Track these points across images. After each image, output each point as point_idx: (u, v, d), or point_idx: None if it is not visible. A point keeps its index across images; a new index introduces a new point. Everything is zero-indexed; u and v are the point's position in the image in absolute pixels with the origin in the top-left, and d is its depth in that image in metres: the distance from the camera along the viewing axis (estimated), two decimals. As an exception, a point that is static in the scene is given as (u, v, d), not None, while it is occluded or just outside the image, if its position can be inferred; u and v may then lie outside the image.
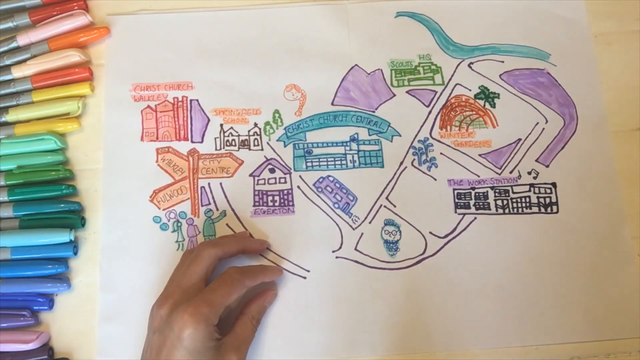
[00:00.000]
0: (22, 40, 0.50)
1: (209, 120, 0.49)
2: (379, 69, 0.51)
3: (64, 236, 0.45)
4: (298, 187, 0.48)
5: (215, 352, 0.39)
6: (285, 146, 0.49)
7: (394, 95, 0.50)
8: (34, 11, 0.50)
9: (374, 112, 0.50)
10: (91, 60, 0.51)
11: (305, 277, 0.46)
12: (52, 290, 0.45)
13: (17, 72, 0.49)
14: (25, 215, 0.46)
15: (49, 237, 0.45)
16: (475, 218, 0.47)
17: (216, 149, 0.49)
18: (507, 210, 0.48)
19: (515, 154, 0.49)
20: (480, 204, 0.48)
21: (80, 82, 0.49)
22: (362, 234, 0.47)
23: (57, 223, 0.46)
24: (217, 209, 0.48)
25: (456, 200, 0.48)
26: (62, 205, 0.46)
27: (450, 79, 0.50)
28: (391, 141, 0.49)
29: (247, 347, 0.42)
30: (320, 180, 0.48)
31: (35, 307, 0.45)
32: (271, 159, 0.49)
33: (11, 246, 0.45)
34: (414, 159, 0.49)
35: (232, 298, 0.40)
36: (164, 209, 0.47)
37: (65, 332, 0.45)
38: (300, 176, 0.48)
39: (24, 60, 0.50)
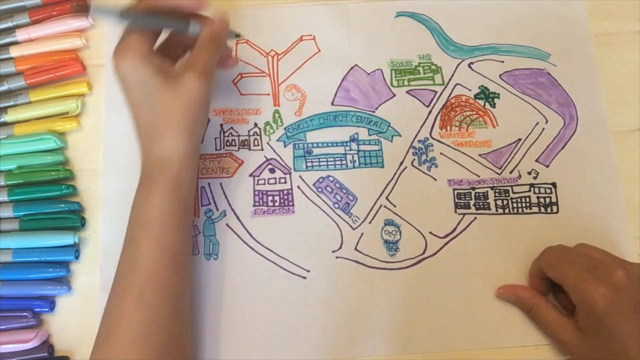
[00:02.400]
0: (21, 35, 0.50)
1: (208, 120, 0.49)
2: (379, 69, 0.51)
3: (67, 239, 0.45)
4: (298, 187, 0.48)
5: (165, 77, 0.38)
6: (285, 146, 0.49)
7: (394, 95, 0.50)
8: (34, 11, 0.50)
9: (374, 112, 0.50)
10: (88, 45, 0.51)
11: (305, 277, 0.46)
12: (53, 293, 0.45)
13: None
14: (25, 216, 0.46)
15: (53, 239, 0.45)
16: (475, 218, 0.47)
17: (216, 149, 0.49)
18: (507, 210, 0.48)
19: (515, 154, 0.49)
20: (480, 204, 0.48)
21: (76, 81, 0.50)
22: (362, 234, 0.47)
23: (57, 223, 0.46)
24: (217, 209, 0.48)
25: (456, 200, 0.48)
26: (62, 205, 0.46)
27: (450, 79, 0.50)
28: (391, 141, 0.49)
29: (211, 70, 0.40)
30: (320, 180, 0.48)
31: (36, 309, 0.45)
32: (271, 159, 0.49)
33: (14, 247, 0.45)
34: (414, 159, 0.49)
35: (150, 15, 0.39)
36: (164, 209, 0.47)
37: (65, 332, 0.45)
38: (300, 176, 0.48)
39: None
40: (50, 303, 0.45)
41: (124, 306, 0.37)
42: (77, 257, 0.46)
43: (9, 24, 0.50)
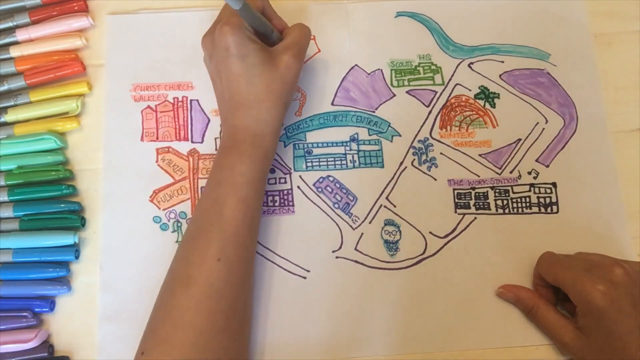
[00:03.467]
0: (21, 35, 0.50)
1: (209, 120, 0.49)
2: (379, 69, 0.51)
3: (67, 239, 0.45)
4: (298, 187, 0.48)
5: (266, 55, 0.42)
6: (285, 146, 0.49)
7: (394, 95, 0.50)
8: (34, 11, 0.50)
9: (374, 112, 0.50)
10: (88, 45, 0.51)
11: (305, 277, 0.46)
12: (53, 293, 0.45)
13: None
14: (25, 216, 0.46)
15: (53, 239, 0.45)
16: (475, 218, 0.47)
17: (216, 149, 0.49)
18: (507, 210, 0.48)
19: (515, 154, 0.49)
20: (480, 204, 0.48)
21: (76, 81, 0.50)
22: (362, 234, 0.47)
23: (57, 223, 0.46)
24: (217, 209, 0.48)
25: (456, 200, 0.48)
26: (62, 205, 0.46)
27: (450, 79, 0.50)
28: (391, 141, 0.49)
29: (304, 53, 0.44)
30: (320, 180, 0.48)
31: (36, 309, 0.45)
32: (271, 159, 0.49)
33: (14, 247, 0.45)
34: (414, 159, 0.49)
35: (261, 16, 0.43)
36: (164, 209, 0.47)
37: (65, 332, 0.45)
38: (300, 176, 0.48)
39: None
40: (50, 303, 0.45)
41: (207, 259, 0.39)
42: (77, 257, 0.46)
43: (9, 24, 0.50)
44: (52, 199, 0.47)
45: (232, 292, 0.40)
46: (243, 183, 0.41)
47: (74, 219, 0.46)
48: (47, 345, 0.44)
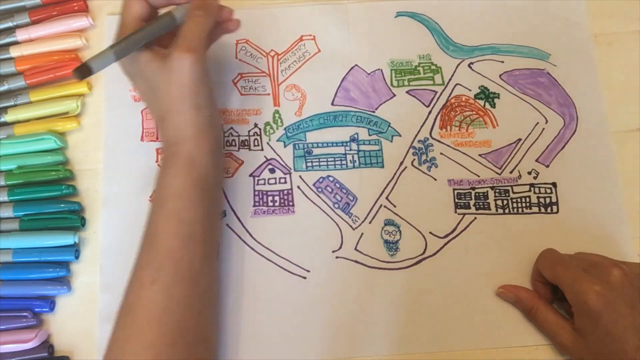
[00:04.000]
0: (21, 35, 0.50)
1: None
2: (379, 69, 0.51)
3: (67, 239, 0.45)
4: (298, 187, 0.48)
5: (159, 62, 0.39)
6: (285, 146, 0.49)
7: (394, 95, 0.50)
8: (34, 11, 0.50)
9: (374, 112, 0.50)
10: (88, 45, 0.51)
11: (305, 277, 0.46)
12: (53, 293, 0.45)
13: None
14: (25, 216, 0.46)
15: (53, 239, 0.45)
16: (475, 218, 0.47)
17: (216, 149, 0.49)
18: (507, 210, 0.48)
19: (515, 154, 0.49)
20: (480, 204, 0.48)
21: (76, 81, 0.49)
22: (362, 234, 0.47)
23: (57, 223, 0.46)
24: (217, 209, 0.48)
25: (456, 200, 0.48)
26: (62, 205, 0.46)
27: (450, 79, 0.50)
28: (391, 141, 0.49)
29: (200, 42, 0.39)
30: (320, 180, 0.48)
31: (36, 309, 0.45)
32: (271, 159, 0.49)
33: (14, 247, 0.45)
34: (414, 159, 0.49)
35: (136, 37, 0.39)
36: (164, 209, 0.47)
37: (65, 332, 0.45)
38: (300, 176, 0.48)
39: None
40: (50, 303, 0.45)
41: (143, 283, 0.37)
42: (77, 257, 0.46)
43: (9, 24, 0.50)
44: (52, 199, 0.47)
45: (175, 315, 0.37)
46: (170, 195, 0.39)
47: (74, 219, 0.46)
48: (47, 345, 0.44)
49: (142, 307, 0.37)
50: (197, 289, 0.39)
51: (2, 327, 0.44)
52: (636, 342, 0.37)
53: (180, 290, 0.38)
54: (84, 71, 0.37)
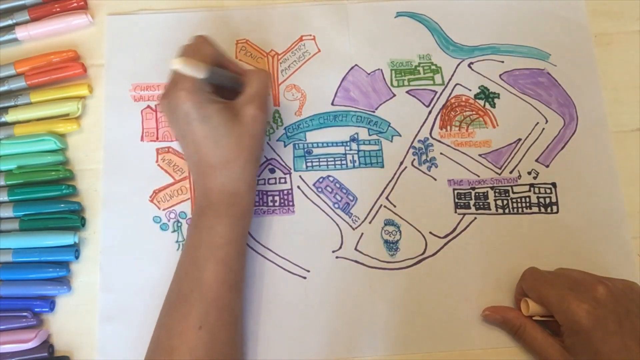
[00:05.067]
0: (20, 32, 0.50)
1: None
2: (379, 69, 0.51)
3: (67, 239, 0.45)
4: (298, 187, 0.48)
5: (229, 113, 0.40)
6: (285, 146, 0.49)
7: (394, 95, 0.50)
8: (33, 9, 0.50)
9: (374, 112, 0.50)
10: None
11: (305, 277, 0.46)
12: (53, 293, 0.45)
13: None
14: (25, 216, 0.46)
15: (53, 239, 0.45)
16: (475, 218, 0.47)
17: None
18: (507, 210, 0.48)
19: (515, 154, 0.49)
20: (480, 204, 0.48)
21: (77, 83, 0.50)
22: (362, 234, 0.47)
23: (57, 223, 0.46)
24: (217, 209, 0.48)
25: (456, 200, 0.48)
26: (62, 205, 0.46)
27: (450, 79, 0.50)
28: (391, 141, 0.49)
29: (266, 102, 0.42)
30: (320, 180, 0.48)
31: (36, 309, 0.45)
32: (271, 159, 0.49)
33: (14, 247, 0.45)
34: (414, 159, 0.49)
35: (211, 59, 0.41)
36: (164, 209, 0.47)
37: (65, 332, 0.45)
38: (300, 176, 0.48)
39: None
40: (50, 303, 0.45)
41: (188, 327, 0.38)
42: (77, 257, 0.46)
43: (9, 22, 0.50)
44: (52, 199, 0.47)
45: (218, 356, 0.38)
46: (222, 245, 0.40)
47: (74, 219, 0.46)
48: (47, 345, 0.44)
49: (188, 351, 0.38)
50: (237, 334, 0.41)
51: (2, 327, 0.44)
52: (625, 358, 0.37)
53: (223, 335, 0.39)
54: (191, 64, 0.38)
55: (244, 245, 0.43)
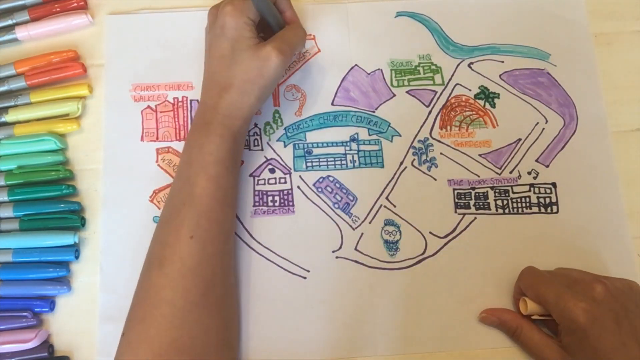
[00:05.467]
0: (20, 33, 0.50)
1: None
2: (379, 69, 0.51)
3: (67, 239, 0.45)
4: (298, 187, 0.48)
5: (254, 45, 0.43)
6: (285, 146, 0.49)
7: (394, 95, 0.50)
8: (33, 9, 0.50)
9: (374, 112, 0.50)
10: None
11: (305, 277, 0.46)
12: (53, 293, 0.45)
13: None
14: (25, 216, 0.46)
15: (53, 239, 0.45)
16: (475, 218, 0.47)
17: (216, 149, 0.49)
18: (507, 210, 0.48)
19: (515, 154, 0.49)
20: (480, 204, 0.48)
21: (77, 83, 0.50)
22: (362, 234, 0.47)
23: (57, 223, 0.46)
24: (217, 209, 0.48)
25: (456, 200, 0.48)
26: (62, 205, 0.46)
27: (450, 79, 0.50)
28: (391, 141, 0.49)
29: (291, 51, 0.44)
30: (320, 180, 0.48)
31: (36, 309, 0.45)
32: (271, 159, 0.49)
33: (14, 247, 0.45)
34: (414, 159, 0.49)
35: (274, 9, 0.44)
36: (164, 209, 0.47)
37: (65, 332, 0.45)
38: (300, 176, 0.48)
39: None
40: (50, 303, 0.45)
41: (180, 238, 0.40)
42: (77, 257, 0.46)
43: (9, 22, 0.50)
44: (52, 199, 0.47)
45: (208, 268, 0.40)
46: (212, 162, 0.42)
47: (74, 219, 0.46)
48: (47, 345, 0.44)
49: (179, 259, 0.39)
50: (227, 247, 0.43)
51: (2, 327, 0.44)
52: (623, 358, 0.37)
53: (213, 247, 0.41)
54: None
55: (234, 165, 0.44)
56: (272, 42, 0.43)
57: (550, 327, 0.43)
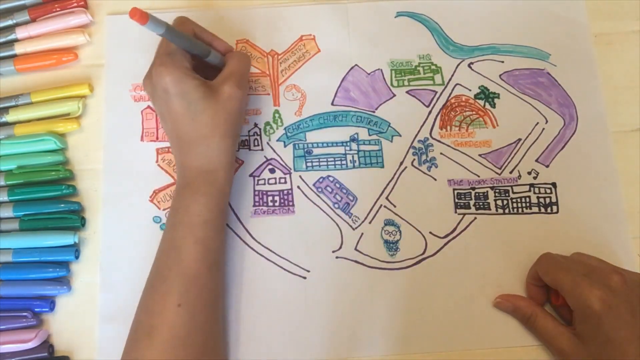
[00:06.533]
0: (20, 33, 0.50)
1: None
2: (379, 69, 0.51)
3: (68, 238, 0.45)
4: (298, 187, 0.48)
5: (206, 89, 0.41)
6: (285, 146, 0.49)
7: (394, 95, 0.50)
8: (33, 9, 0.50)
9: (374, 112, 0.50)
10: (91, 41, 0.51)
11: (305, 277, 0.46)
12: (53, 293, 0.45)
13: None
14: (25, 216, 0.46)
15: (53, 239, 0.45)
16: (475, 218, 0.47)
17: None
18: (507, 210, 0.48)
19: (515, 154, 0.49)
20: (480, 204, 0.48)
21: (77, 82, 0.50)
22: (362, 234, 0.47)
23: (57, 223, 0.46)
24: (217, 209, 0.48)
25: (456, 200, 0.48)
26: (62, 205, 0.46)
27: (450, 79, 0.50)
28: (391, 141, 0.49)
29: (246, 81, 0.43)
30: (320, 180, 0.48)
31: (36, 309, 0.45)
32: (271, 159, 0.49)
33: (14, 247, 0.45)
34: (414, 159, 0.49)
35: (189, 36, 0.42)
36: (164, 209, 0.47)
37: (65, 332, 0.45)
38: (300, 176, 0.48)
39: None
40: (50, 303, 0.45)
41: (167, 306, 0.38)
42: (77, 257, 0.46)
43: (9, 22, 0.50)
44: (52, 199, 0.47)
45: (198, 337, 0.39)
46: (199, 223, 0.40)
47: (74, 219, 0.46)
48: (47, 345, 0.44)
49: (168, 329, 0.38)
50: (217, 313, 0.42)
51: (2, 327, 0.44)
52: (636, 350, 0.37)
53: (204, 314, 0.39)
54: (142, 15, 0.37)
55: (222, 224, 0.43)
56: (225, 81, 0.42)
57: (564, 317, 0.43)
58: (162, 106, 0.42)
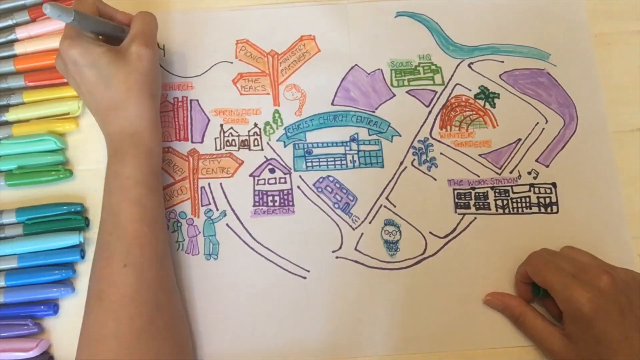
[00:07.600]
0: (20, 33, 0.50)
1: (209, 120, 0.49)
2: (379, 69, 0.51)
3: (72, 239, 0.45)
4: (298, 187, 0.48)
5: (114, 54, 0.42)
6: (285, 146, 0.49)
7: (394, 95, 0.50)
8: (33, 9, 0.50)
9: (374, 112, 0.50)
10: None
11: (305, 277, 0.46)
12: (56, 295, 0.45)
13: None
14: (28, 220, 0.46)
15: (58, 240, 0.45)
16: (475, 218, 0.47)
17: (216, 149, 0.49)
18: (507, 210, 0.48)
19: (515, 154, 0.49)
20: (480, 204, 0.48)
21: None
22: (362, 234, 0.47)
23: (61, 225, 0.46)
24: (217, 209, 0.48)
25: (456, 200, 0.48)
26: (64, 207, 0.46)
27: (450, 79, 0.50)
28: (391, 141, 0.49)
29: (153, 39, 0.44)
30: (320, 180, 0.48)
31: (39, 313, 0.45)
32: (271, 159, 0.49)
33: (19, 253, 0.45)
34: (414, 159, 0.49)
35: (91, 10, 0.43)
36: (164, 208, 0.47)
37: (67, 333, 0.45)
38: (300, 176, 0.48)
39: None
40: (53, 306, 0.45)
41: (113, 269, 0.39)
42: (82, 257, 0.46)
43: (9, 22, 0.50)
44: (54, 205, 0.47)
45: (148, 294, 0.39)
46: (131, 185, 0.41)
47: (77, 219, 0.46)
48: (47, 355, 0.44)
49: (116, 290, 0.39)
50: (164, 270, 0.42)
51: (3, 334, 0.44)
52: (626, 350, 0.37)
53: (151, 272, 0.40)
54: (57, 7, 0.38)
55: (156, 184, 0.43)
56: (132, 42, 0.42)
57: (554, 315, 0.43)
58: (75, 80, 0.43)
